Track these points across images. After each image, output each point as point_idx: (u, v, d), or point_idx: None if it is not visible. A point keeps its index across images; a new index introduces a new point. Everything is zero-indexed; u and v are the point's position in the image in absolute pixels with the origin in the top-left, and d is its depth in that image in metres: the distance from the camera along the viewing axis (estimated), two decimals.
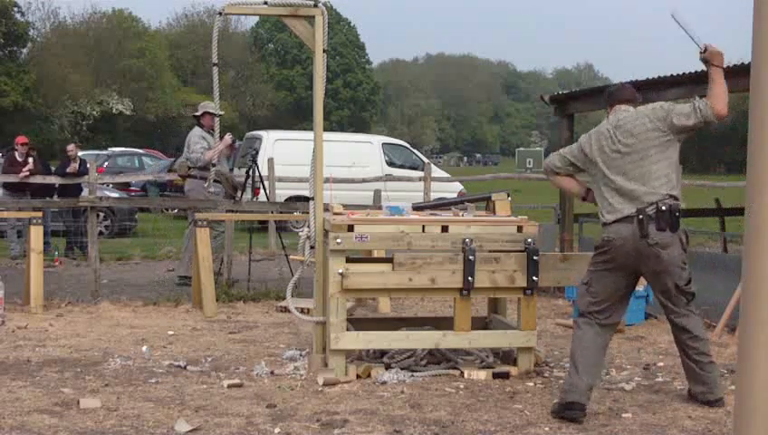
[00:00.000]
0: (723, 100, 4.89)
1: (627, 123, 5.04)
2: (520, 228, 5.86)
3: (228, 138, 9.65)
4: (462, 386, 5.50)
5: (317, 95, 5.94)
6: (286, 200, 13.50)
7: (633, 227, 4.87)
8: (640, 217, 4.85)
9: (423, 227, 5.79)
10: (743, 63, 6.83)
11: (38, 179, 12.34)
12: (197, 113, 9.91)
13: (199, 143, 9.57)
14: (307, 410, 4.96)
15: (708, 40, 4.93)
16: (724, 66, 4.98)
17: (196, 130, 9.70)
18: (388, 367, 5.76)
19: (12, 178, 11.96)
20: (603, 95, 5.47)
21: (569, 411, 4.80)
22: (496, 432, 4.59)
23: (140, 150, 29.85)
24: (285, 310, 7.57)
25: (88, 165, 11.67)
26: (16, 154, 12.82)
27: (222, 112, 6.07)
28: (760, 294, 2.18)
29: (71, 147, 13.66)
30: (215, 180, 8.71)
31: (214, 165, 6.16)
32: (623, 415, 4.91)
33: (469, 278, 5.65)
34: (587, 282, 5.12)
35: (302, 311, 6.18)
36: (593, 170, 5.15)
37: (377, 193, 12.73)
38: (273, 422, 4.72)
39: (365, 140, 19.74)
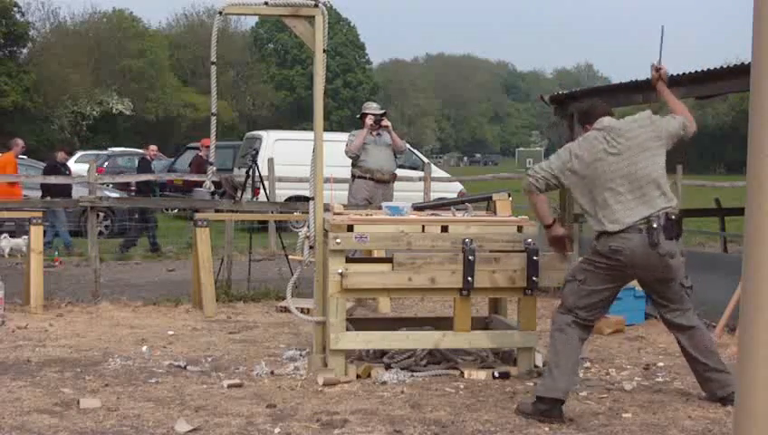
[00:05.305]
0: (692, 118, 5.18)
1: (620, 127, 4.97)
2: (520, 228, 5.85)
3: (368, 121, 9.34)
4: (462, 386, 5.49)
5: (317, 95, 5.93)
6: (286, 200, 13.51)
7: (642, 237, 4.76)
8: (652, 226, 4.75)
9: (423, 227, 5.78)
10: (743, 63, 6.84)
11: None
12: (358, 115, 9.82)
13: (348, 139, 9.52)
14: (307, 410, 4.96)
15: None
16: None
17: (355, 131, 9.67)
18: (388, 367, 5.76)
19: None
20: (577, 115, 5.43)
21: (551, 409, 4.71)
22: (496, 432, 4.59)
23: (140, 150, 29.82)
24: (285, 310, 7.57)
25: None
26: (201, 155, 14.78)
27: (215, 112, 6.06)
28: (760, 294, 2.19)
29: (153, 147, 15.05)
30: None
31: (211, 163, 6.11)
32: (623, 415, 4.90)
33: (469, 278, 5.64)
34: (581, 279, 4.98)
35: (302, 311, 6.17)
36: (587, 178, 4.92)
37: None
38: (273, 422, 4.72)
39: None
